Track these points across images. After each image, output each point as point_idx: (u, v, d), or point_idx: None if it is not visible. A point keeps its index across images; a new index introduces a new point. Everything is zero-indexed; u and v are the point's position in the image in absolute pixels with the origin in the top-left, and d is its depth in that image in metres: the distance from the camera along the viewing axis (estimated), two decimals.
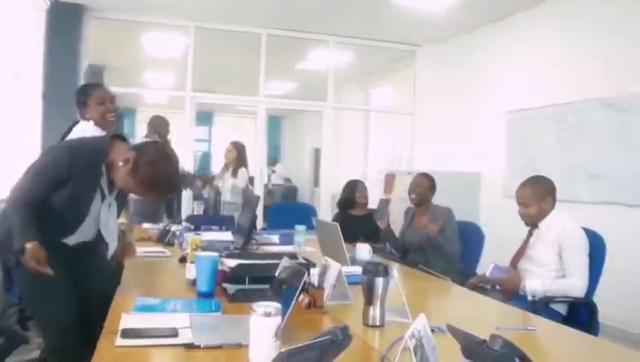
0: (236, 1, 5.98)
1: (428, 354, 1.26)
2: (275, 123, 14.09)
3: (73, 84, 5.79)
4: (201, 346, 1.48)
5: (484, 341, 1.16)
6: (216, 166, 8.65)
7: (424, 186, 3.89)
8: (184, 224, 3.67)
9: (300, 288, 1.65)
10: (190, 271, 2.34)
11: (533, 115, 5.66)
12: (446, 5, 5.71)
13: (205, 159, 12.88)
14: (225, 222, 3.98)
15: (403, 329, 1.63)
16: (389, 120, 9.20)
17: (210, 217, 4.24)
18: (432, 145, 7.23)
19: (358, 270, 2.44)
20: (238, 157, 5.71)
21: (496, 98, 6.23)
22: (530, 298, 2.76)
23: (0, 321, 2.58)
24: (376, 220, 4.05)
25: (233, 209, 5.38)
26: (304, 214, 5.24)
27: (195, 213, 5.01)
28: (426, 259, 3.66)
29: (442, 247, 3.67)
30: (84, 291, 2.21)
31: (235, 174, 5.63)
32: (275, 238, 3.74)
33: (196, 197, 6.14)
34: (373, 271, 1.78)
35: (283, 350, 1.06)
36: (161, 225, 4.23)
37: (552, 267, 2.84)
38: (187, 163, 6.57)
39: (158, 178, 2.11)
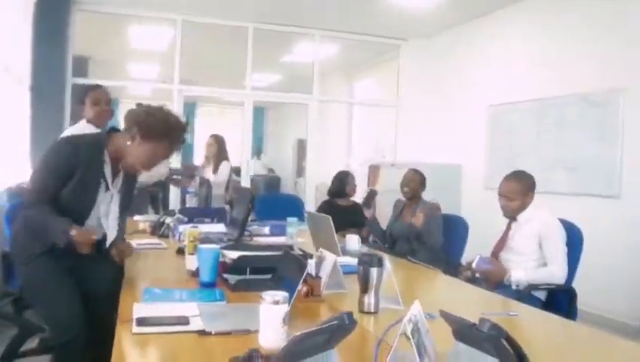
0: None
1: (423, 337, 1.39)
2: (258, 114, 14.07)
3: (61, 77, 5.84)
4: (213, 332, 1.59)
5: (474, 324, 1.30)
6: (199, 157, 8.68)
7: (416, 181, 4.10)
8: (177, 216, 3.75)
9: (302, 277, 1.76)
10: (191, 263, 2.45)
11: (513, 109, 5.84)
12: (432, 1, 5.84)
13: (188, 150, 12.87)
14: (216, 215, 4.06)
15: (396, 315, 1.76)
16: (373, 112, 9.34)
17: (202, 209, 4.31)
18: (415, 138, 7.39)
19: (350, 260, 2.58)
20: (218, 150, 5.71)
21: (478, 92, 6.40)
22: (514, 287, 2.92)
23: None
24: (363, 209, 4.20)
25: (218, 200, 5.45)
26: (291, 205, 5.38)
27: (188, 206, 5.08)
28: (411, 249, 3.83)
29: (425, 239, 3.84)
30: (89, 288, 2.27)
31: (217, 167, 5.67)
32: (266, 230, 3.84)
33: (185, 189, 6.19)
34: (368, 261, 1.91)
35: (298, 333, 1.18)
36: (152, 217, 4.32)
37: (533, 256, 3.01)
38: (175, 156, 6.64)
39: (165, 121, 2.22)
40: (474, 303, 2.36)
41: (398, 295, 2.00)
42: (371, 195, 4.28)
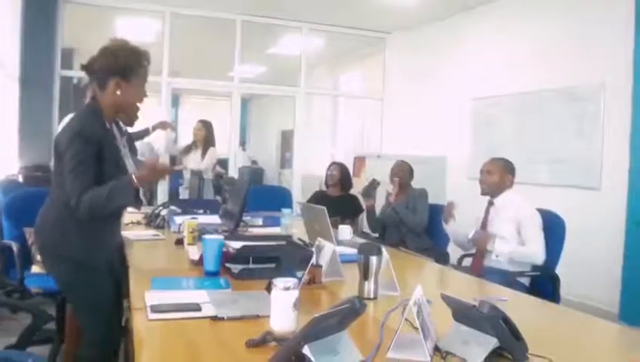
0: None
1: (425, 318, 1.50)
2: (242, 105, 14.10)
3: (50, 69, 5.83)
4: (225, 318, 1.68)
5: (474, 306, 1.41)
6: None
7: (405, 170, 4.30)
8: (171, 208, 3.82)
9: (309, 267, 1.86)
10: (193, 253, 2.53)
11: (497, 102, 5.98)
12: None
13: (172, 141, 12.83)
14: (209, 206, 4.13)
15: (393, 300, 1.87)
16: (358, 104, 9.43)
17: (195, 201, 4.38)
18: (400, 130, 7.50)
19: (344, 250, 2.69)
20: (206, 135, 5.81)
21: (462, 85, 6.53)
22: (494, 257, 3.12)
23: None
24: (363, 198, 4.35)
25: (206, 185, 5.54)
26: (280, 197, 5.45)
27: (181, 198, 5.14)
28: (400, 236, 3.99)
29: (408, 217, 4.06)
30: (116, 275, 2.30)
31: (204, 153, 5.77)
32: (259, 221, 3.93)
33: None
34: (368, 250, 2.01)
35: (316, 315, 1.27)
36: (143, 209, 4.37)
37: (512, 241, 3.18)
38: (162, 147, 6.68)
39: (133, 51, 2.18)
40: (465, 289, 2.49)
41: (396, 282, 2.11)
42: (373, 185, 4.34)
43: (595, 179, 4.82)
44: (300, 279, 1.83)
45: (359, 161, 7.44)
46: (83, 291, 2.16)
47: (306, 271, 1.89)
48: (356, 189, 5.11)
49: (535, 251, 3.08)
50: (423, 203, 4.14)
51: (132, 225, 3.60)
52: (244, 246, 2.29)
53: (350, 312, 1.34)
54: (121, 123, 2.36)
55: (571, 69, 5.08)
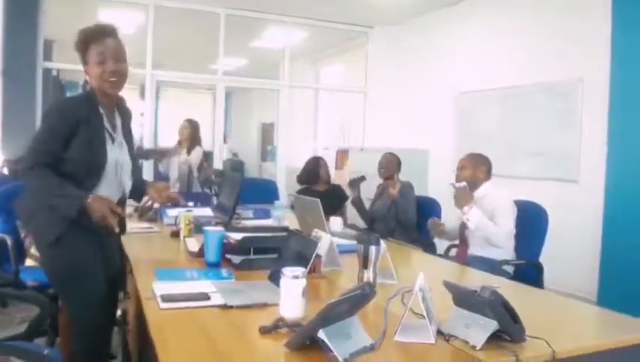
0: None
1: (429, 304, 1.59)
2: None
3: (32, 60, 5.77)
4: (234, 306, 1.75)
5: (475, 291, 1.50)
6: (163, 141, 8.65)
7: (393, 162, 4.42)
8: None
9: (313, 256, 1.93)
10: (192, 244, 2.59)
11: (479, 96, 6.11)
12: None
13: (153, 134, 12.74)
14: (199, 199, 4.18)
15: (392, 288, 1.96)
16: (339, 97, 9.50)
17: (186, 193, 4.41)
18: (383, 123, 7.60)
19: (336, 241, 2.76)
20: (192, 134, 5.78)
21: (445, 80, 6.64)
22: (464, 218, 3.25)
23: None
24: (350, 189, 4.51)
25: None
26: (266, 189, 5.51)
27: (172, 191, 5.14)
28: (389, 229, 4.08)
29: (402, 215, 4.15)
30: (107, 269, 2.31)
31: (189, 152, 5.75)
32: (250, 213, 3.98)
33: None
34: (367, 240, 2.09)
35: (330, 301, 1.35)
36: (135, 202, 4.39)
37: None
38: (148, 139, 6.69)
39: (80, 32, 2.20)
40: (455, 277, 2.58)
41: (393, 271, 2.20)
42: (360, 179, 4.54)
43: (573, 173, 4.97)
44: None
45: (342, 153, 7.53)
46: (74, 281, 2.16)
47: (312, 259, 1.96)
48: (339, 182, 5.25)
49: (500, 230, 3.21)
50: (411, 195, 4.26)
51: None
52: (245, 238, 2.35)
53: (361, 298, 1.43)
54: (129, 112, 2.42)
55: (552, 65, 5.22)
